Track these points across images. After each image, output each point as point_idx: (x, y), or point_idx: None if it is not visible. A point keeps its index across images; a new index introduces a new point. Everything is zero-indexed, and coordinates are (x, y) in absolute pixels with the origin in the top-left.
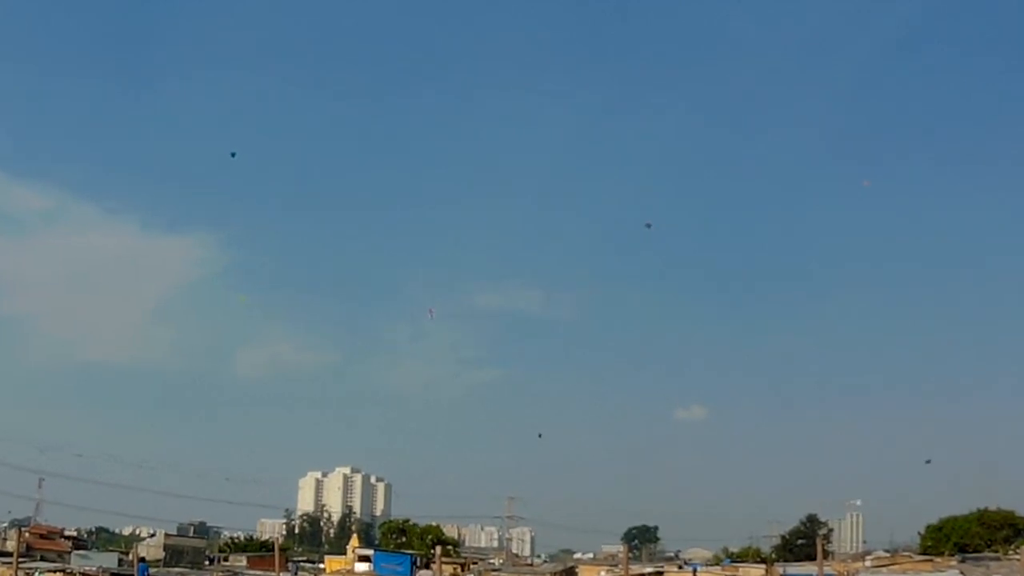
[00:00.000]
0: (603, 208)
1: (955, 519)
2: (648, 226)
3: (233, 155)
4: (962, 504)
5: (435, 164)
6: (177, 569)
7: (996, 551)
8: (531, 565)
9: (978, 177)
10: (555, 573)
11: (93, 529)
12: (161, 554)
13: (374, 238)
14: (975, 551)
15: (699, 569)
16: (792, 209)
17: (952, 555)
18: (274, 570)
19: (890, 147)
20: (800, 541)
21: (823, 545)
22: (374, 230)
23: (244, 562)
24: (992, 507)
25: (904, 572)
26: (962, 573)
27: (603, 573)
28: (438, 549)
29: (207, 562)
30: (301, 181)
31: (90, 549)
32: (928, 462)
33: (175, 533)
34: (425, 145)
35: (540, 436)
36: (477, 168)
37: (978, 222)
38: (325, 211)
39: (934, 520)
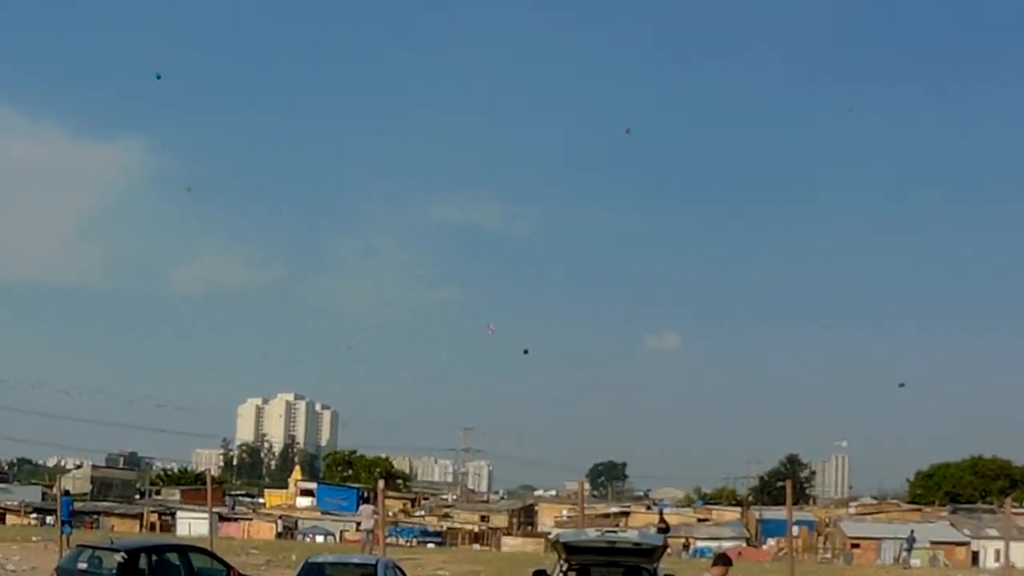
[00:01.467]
0: (570, 119)
1: (947, 466)
2: (628, 131)
3: (159, 77)
4: (956, 451)
5: (388, 69)
6: (105, 503)
7: (991, 502)
8: (487, 502)
9: (972, 102)
10: (513, 511)
11: (14, 460)
12: (88, 487)
13: (322, 147)
14: (968, 502)
15: (667, 510)
16: (774, 131)
17: (943, 505)
18: (212, 503)
19: (879, 69)
20: (780, 483)
21: (801, 488)
22: (322, 139)
23: (178, 496)
24: (987, 455)
25: (890, 521)
26: (952, 524)
27: (565, 512)
28: (380, 483)
29: (137, 496)
30: (242, 86)
31: (11, 482)
32: (902, 385)
33: (103, 465)
34: (377, 51)
35: (526, 352)
36: (434, 73)
37: (975, 148)
38: (268, 117)
39: (925, 467)
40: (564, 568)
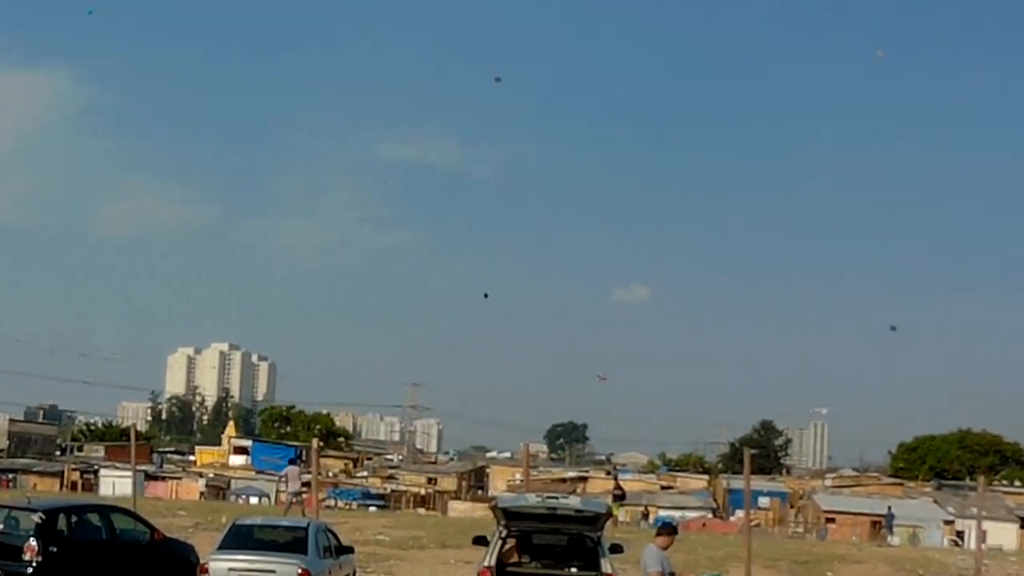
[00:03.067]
0: (533, 54)
1: (932, 439)
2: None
3: (91, 12)
4: (943, 423)
5: None
6: (23, 460)
7: (977, 478)
8: (435, 463)
9: (976, 55)
10: (462, 473)
11: None
12: (5, 443)
13: (261, 78)
14: (954, 477)
15: (629, 476)
16: (757, 72)
17: (927, 480)
18: (138, 461)
19: (885, 15)
20: (753, 451)
21: (775, 457)
22: (261, 70)
23: (102, 452)
24: (976, 429)
25: (870, 495)
26: (936, 502)
27: (518, 476)
28: (314, 442)
29: (59, 452)
30: (175, 14)
31: None
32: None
33: (21, 418)
34: None
35: (486, 296)
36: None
37: (977, 103)
38: (203, 46)
39: (909, 439)
40: (504, 534)
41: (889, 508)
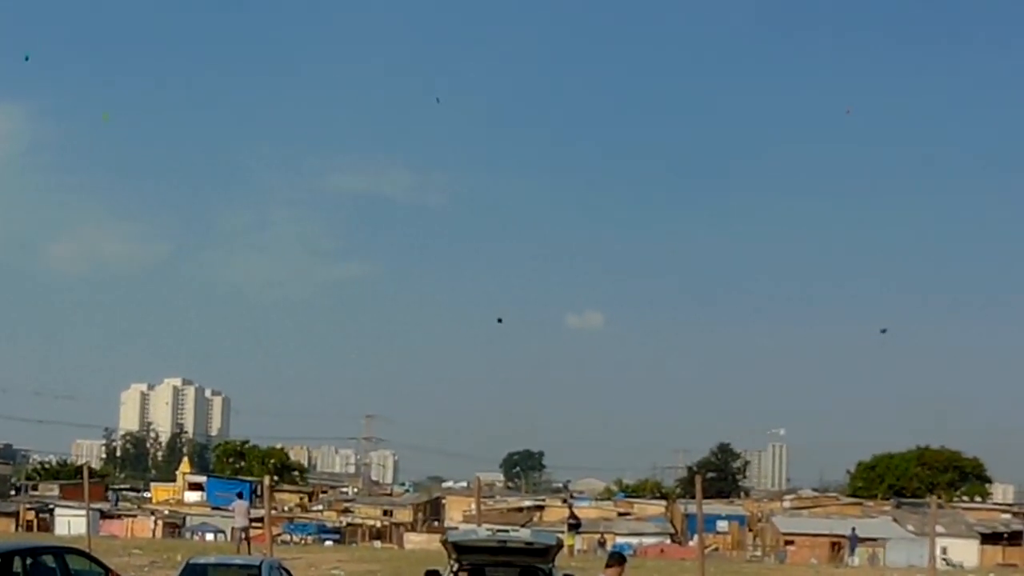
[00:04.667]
0: (485, 76)
1: (891, 457)
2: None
3: (27, 59)
4: (901, 441)
5: (280, 22)
6: None
7: (939, 496)
8: (391, 495)
9: (934, 54)
10: (418, 505)
11: None
12: None
13: (209, 111)
14: (914, 495)
15: (585, 504)
16: (709, 88)
17: (887, 498)
18: (93, 500)
19: (830, 18)
20: (710, 474)
21: (733, 480)
22: (209, 102)
23: (57, 491)
24: (934, 446)
25: (828, 516)
26: (896, 520)
27: (474, 506)
28: (266, 479)
29: (12, 491)
30: (122, 49)
31: None
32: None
33: None
34: (267, 3)
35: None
36: (332, 29)
37: (934, 106)
38: (151, 81)
39: (868, 458)
40: (455, 568)
41: (853, 529)
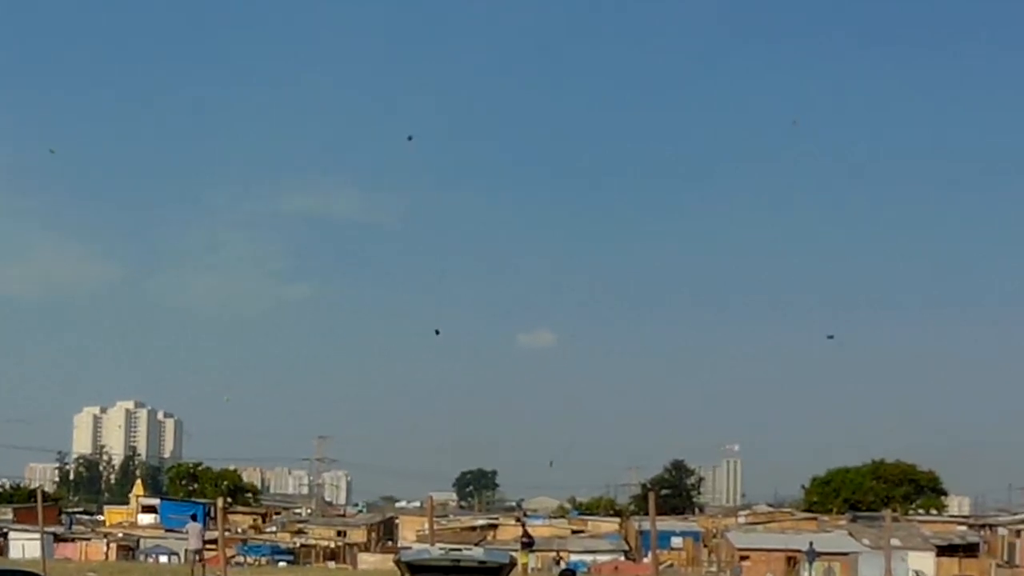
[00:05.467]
0: (433, 95)
1: (846, 471)
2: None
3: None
4: (856, 455)
5: (229, 45)
6: None
7: (895, 509)
8: (344, 515)
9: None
10: (371, 525)
11: None
12: None
13: (159, 132)
14: (869, 509)
15: (539, 522)
16: (659, 107)
17: (842, 513)
18: (47, 523)
19: (799, 21)
20: (664, 491)
21: (687, 496)
22: (159, 124)
23: (10, 515)
24: (889, 459)
25: (783, 531)
26: (851, 534)
27: (427, 525)
28: (219, 501)
29: None
30: (72, 68)
31: None
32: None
33: None
34: (216, 25)
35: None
36: (279, 50)
37: (901, 114)
38: (101, 100)
39: (823, 472)
40: None
41: (811, 544)
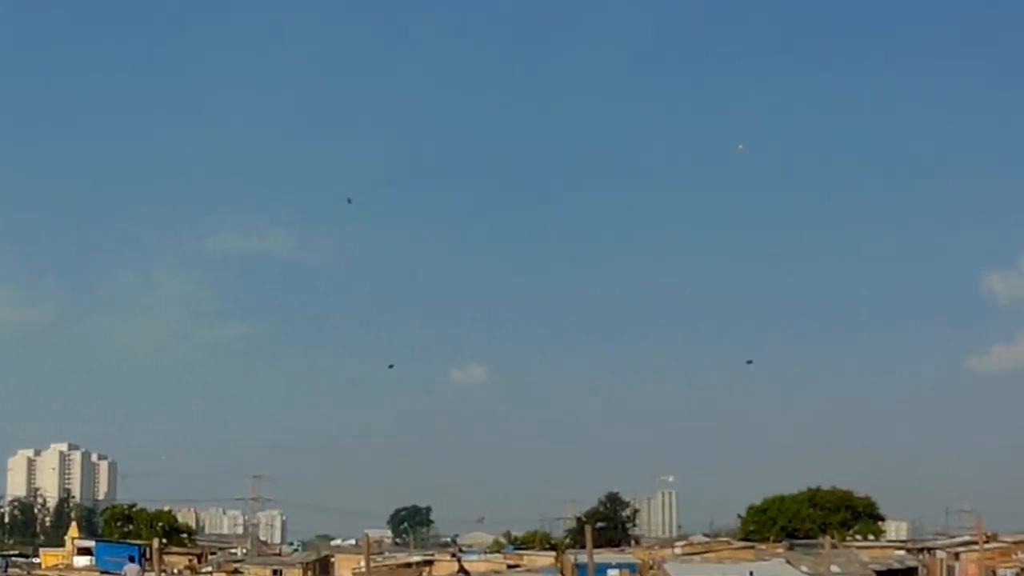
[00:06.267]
0: (365, 133)
1: (782, 499)
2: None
3: None
4: (792, 482)
5: (156, 81)
6: None
7: (832, 536)
8: (279, 554)
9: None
10: (307, 563)
11: None
12: None
13: (88, 172)
14: (806, 536)
15: (474, 557)
16: (581, 141)
17: (779, 541)
18: None
19: (718, 45)
20: (600, 523)
21: (622, 528)
22: (93, 164)
23: None
24: (825, 486)
25: (720, 560)
26: (789, 562)
27: (363, 563)
28: (155, 542)
29: None
30: (3, 104)
31: None
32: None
33: None
34: (144, 62)
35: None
36: (208, 87)
37: (823, 137)
38: (32, 141)
39: (759, 501)
40: None
41: (751, 573)
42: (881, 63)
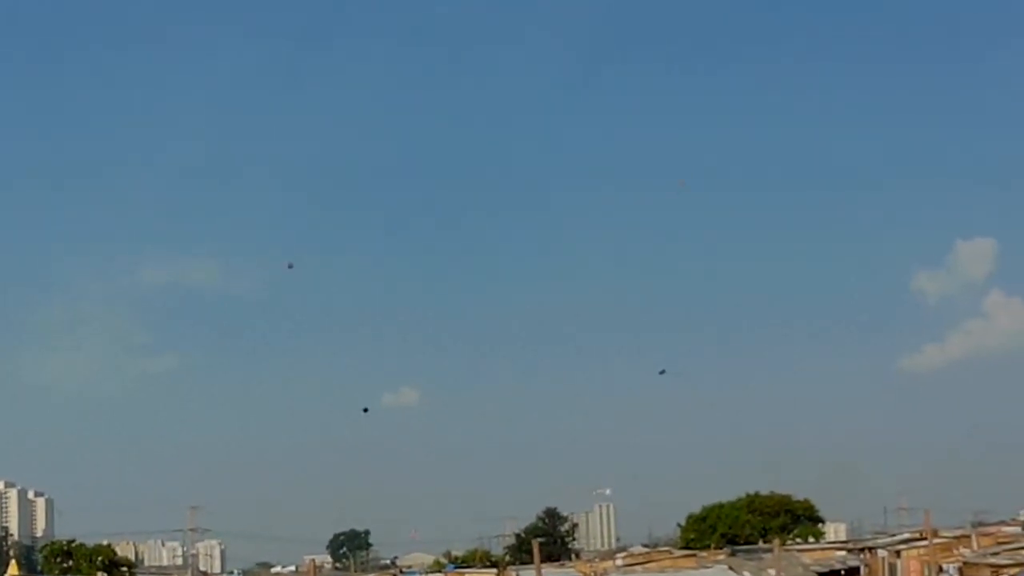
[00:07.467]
0: (284, 158)
1: (721, 507)
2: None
3: None
4: (730, 490)
5: (80, 117)
6: None
7: (770, 541)
8: None
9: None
10: None
11: None
12: None
13: (11, 207)
14: (747, 542)
15: None
16: (504, 154)
17: (720, 548)
18: None
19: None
20: (539, 539)
21: (561, 543)
22: (17, 201)
23: None
24: (764, 492)
25: (663, 570)
26: (731, 568)
27: None
28: (98, 575)
29: None
30: None
31: None
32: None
33: None
34: (68, 97)
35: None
36: (137, 112)
37: (748, 140)
38: None
39: (698, 509)
40: None
41: None
42: (805, 64)
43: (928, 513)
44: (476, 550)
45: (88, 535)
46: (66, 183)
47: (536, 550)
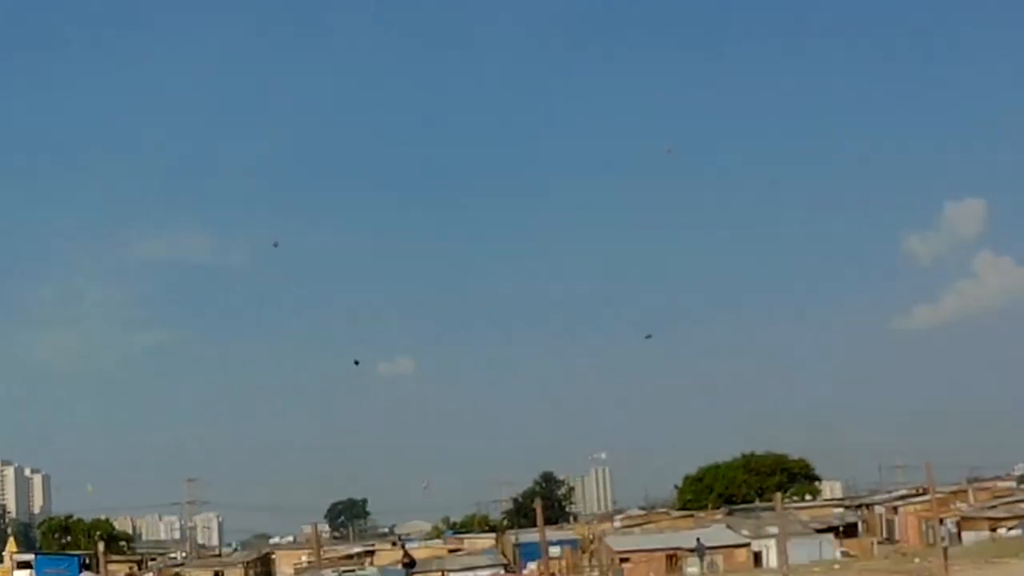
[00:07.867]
0: (277, 130)
1: (717, 467)
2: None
3: None
4: (726, 450)
5: (72, 92)
6: None
7: (768, 499)
8: (219, 556)
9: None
10: (248, 562)
11: None
12: None
13: (9, 188)
14: (744, 501)
15: (414, 544)
16: (505, 121)
17: (717, 508)
18: None
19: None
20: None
21: (559, 506)
22: (8, 179)
23: None
24: (759, 451)
25: (662, 531)
26: (730, 527)
27: (304, 558)
28: (99, 546)
29: None
30: None
31: None
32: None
33: None
34: (69, 64)
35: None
36: (125, 88)
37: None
38: None
39: (694, 470)
40: None
41: (698, 539)
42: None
43: (929, 466)
44: (474, 515)
45: (86, 511)
46: (55, 157)
47: (540, 510)
